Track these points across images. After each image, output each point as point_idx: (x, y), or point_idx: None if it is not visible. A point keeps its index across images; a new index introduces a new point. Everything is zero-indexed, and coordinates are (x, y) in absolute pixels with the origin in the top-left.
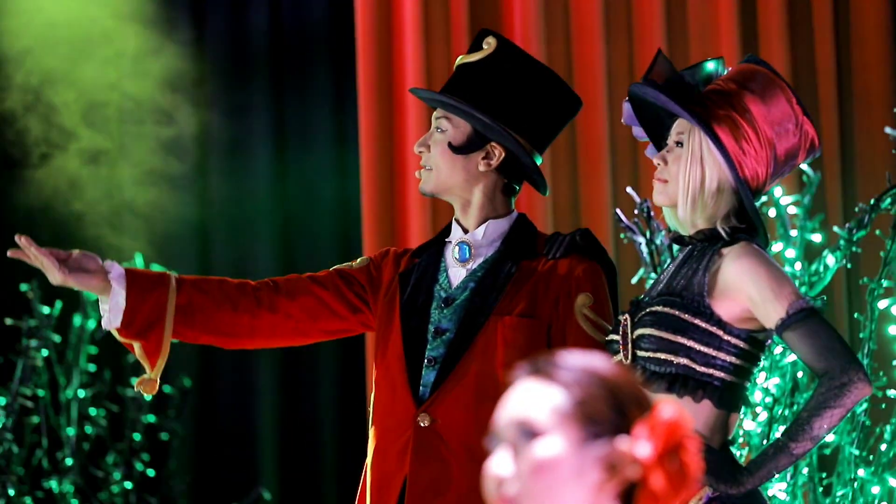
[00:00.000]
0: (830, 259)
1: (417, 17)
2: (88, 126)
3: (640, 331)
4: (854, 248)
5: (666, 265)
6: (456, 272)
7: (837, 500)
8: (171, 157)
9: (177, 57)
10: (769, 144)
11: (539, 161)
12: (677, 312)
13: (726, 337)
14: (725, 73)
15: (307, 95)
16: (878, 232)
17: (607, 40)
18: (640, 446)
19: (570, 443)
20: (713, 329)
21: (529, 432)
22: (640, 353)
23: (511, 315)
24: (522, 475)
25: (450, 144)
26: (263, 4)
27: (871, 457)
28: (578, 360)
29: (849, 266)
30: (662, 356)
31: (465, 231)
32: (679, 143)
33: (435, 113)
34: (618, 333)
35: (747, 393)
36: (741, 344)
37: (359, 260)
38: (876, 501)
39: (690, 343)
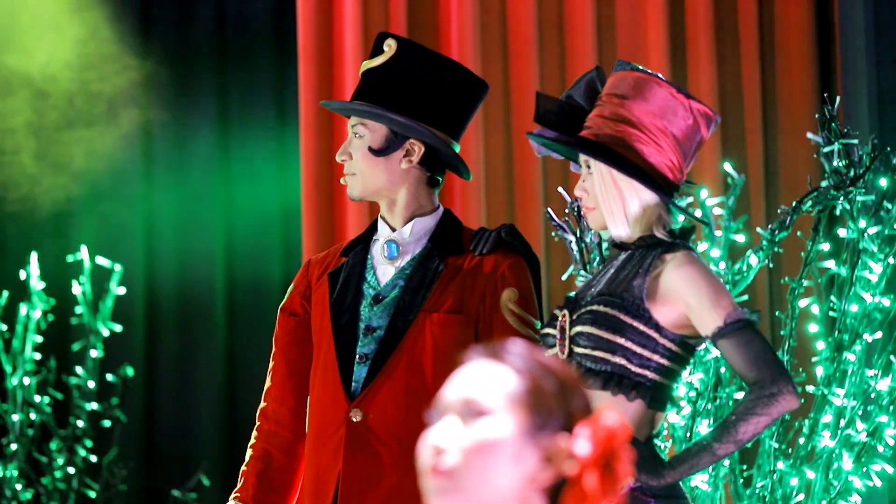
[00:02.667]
0: (753, 259)
1: (357, 20)
2: (29, 122)
3: (578, 328)
4: (776, 249)
5: (598, 263)
6: (384, 270)
7: (757, 491)
8: (116, 152)
9: (122, 51)
10: (665, 134)
11: (457, 149)
12: (616, 313)
13: (661, 340)
14: (604, 80)
15: (251, 91)
16: (799, 233)
17: (541, 55)
18: (579, 445)
19: (514, 428)
20: (650, 332)
21: (476, 410)
22: (577, 350)
23: (439, 312)
24: (462, 450)
25: (370, 149)
26: (209, 6)
27: (789, 450)
28: (532, 351)
29: (771, 266)
30: (599, 354)
31: (393, 229)
32: (591, 170)
33: (350, 121)
34: (554, 328)
35: (674, 392)
36: (674, 348)
37: (287, 293)
38: (794, 493)
39: (627, 343)
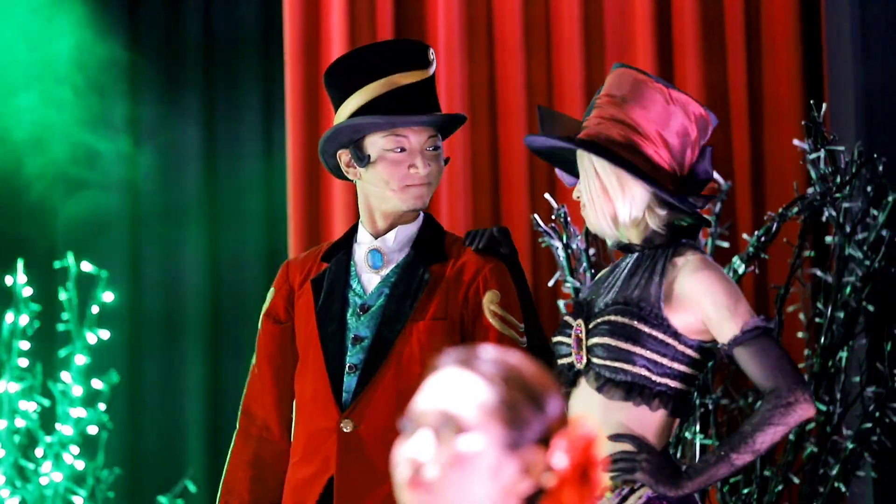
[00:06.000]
0: (740, 264)
1: (344, 23)
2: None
3: (595, 339)
4: (762, 255)
5: (585, 269)
6: (369, 278)
7: (743, 497)
8: (103, 156)
9: (109, 59)
10: (661, 138)
11: None
12: (633, 322)
13: (680, 347)
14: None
15: (237, 101)
16: (785, 240)
17: (527, 56)
18: (556, 456)
19: (491, 441)
20: (668, 340)
21: (452, 424)
22: (595, 360)
23: (425, 320)
24: (441, 464)
25: (445, 160)
26: (197, 10)
27: (775, 456)
28: (504, 357)
29: (757, 272)
30: (619, 365)
31: (375, 236)
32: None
33: (425, 133)
34: (567, 336)
35: (693, 397)
36: (693, 354)
37: (268, 297)
38: (779, 499)
39: (647, 353)
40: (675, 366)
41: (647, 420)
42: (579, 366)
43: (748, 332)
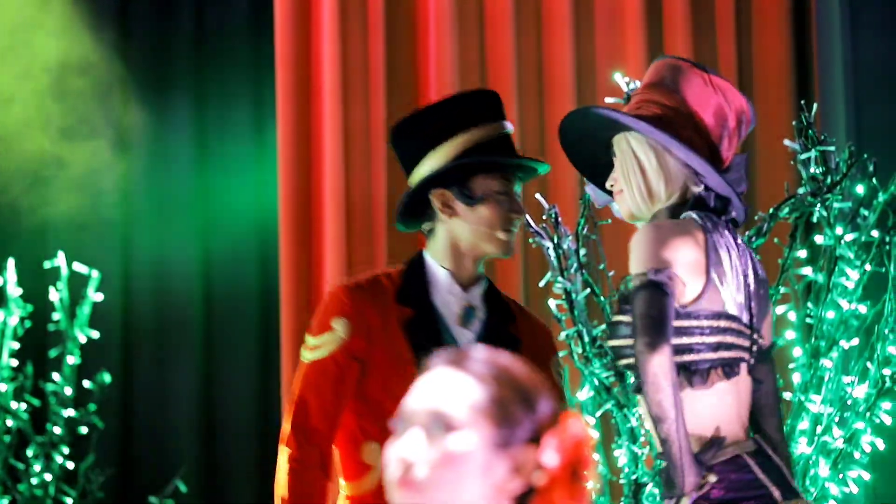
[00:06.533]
0: None
1: (334, 26)
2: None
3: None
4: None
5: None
6: (460, 333)
7: None
8: (94, 155)
9: (99, 56)
10: (697, 118)
11: None
12: None
13: None
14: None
15: (228, 97)
16: (776, 240)
17: (517, 33)
18: (547, 455)
19: (482, 441)
20: None
21: (443, 423)
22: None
23: None
24: (432, 463)
25: None
26: (187, 6)
27: None
28: (495, 357)
29: None
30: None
31: (461, 283)
32: (615, 156)
33: (515, 176)
34: (747, 337)
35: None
36: None
37: (341, 328)
38: None
39: None
40: None
41: None
42: (752, 363)
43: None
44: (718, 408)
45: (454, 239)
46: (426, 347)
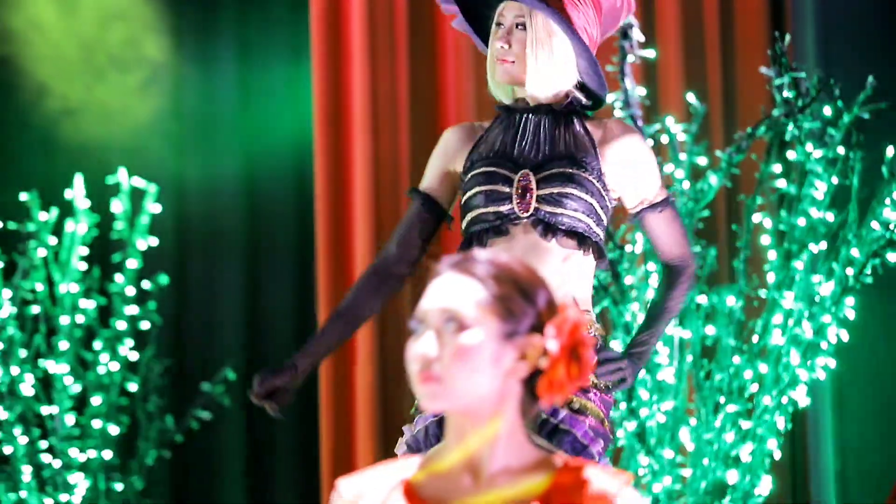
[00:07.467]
0: (713, 179)
1: None
2: (70, 60)
3: (548, 189)
4: (733, 170)
5: (502, 129)
6: None
7: (716, 383)
8: (149, 83)
9: None
10: (593, 7)
11: None
12: (581, 173)
13: (606, 200)
14: None
15: (267, 26)
16: (753, 156)
17: None
18: (549, 342)
19: (490, 333)
20: (602, 192)
21: (454, 320)
22: (546, 209)
23: None
24: (447, 358)
25: None
26: None
27: (744, 346)
28: (494, 257)
29: (729, 185)
30: (569, 213)
31: None
32: (519, 26)
33: None
34: (505, 185)
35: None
36: (610, 208)
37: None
38: (748, 384)
39: (592, 203)
40: (604, 217)
41: (586, 268)
42: (524, 215)
43: (664, 199)
44: None
45: None
46: None
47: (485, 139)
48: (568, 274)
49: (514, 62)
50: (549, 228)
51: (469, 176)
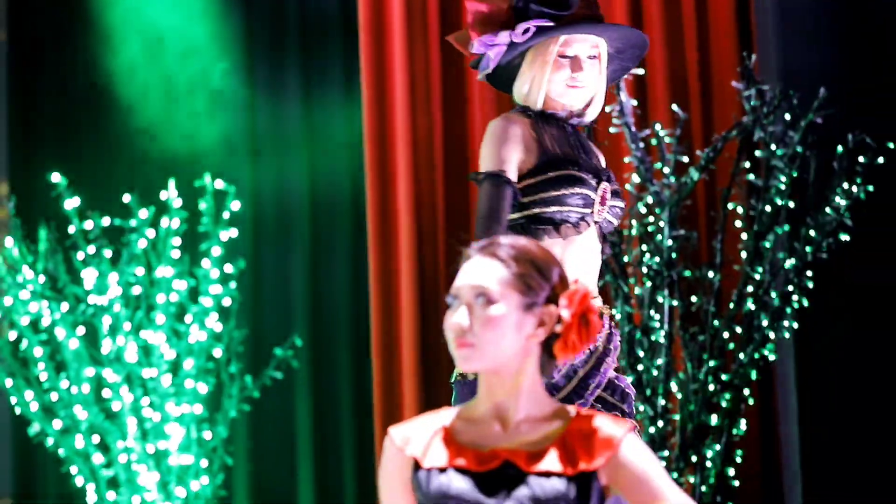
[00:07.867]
0: (694, 173)
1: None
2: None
3: (615, 202)
4: (711, 166)
5: (560, 133)
6: None
7: (700, 342)
8: (231, 103)
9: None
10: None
11: None
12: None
13: None
14: None
15: (325, 57)
16: (727, 154)
17: None
18: (563, 311)
19: (513, 305)
20: None
21: (483, 295)
22: (608, 218)
23: None
24: (478, 327)
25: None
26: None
27: (722, 311)
28: (516, 242)
29: (707, 178)
30: (615, 222)
31: None
32: (592, 58)
33: None
34: (592, 191)
35: None
36: None
37: None
38: (726, 344)
39: None
40: None
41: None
42: (595, 219)
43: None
44: None
45: None
46: None
47: (544, 141)
48: (598, 266)
49: (584, 87)
50: (602, 232)
51: (556, 173)
